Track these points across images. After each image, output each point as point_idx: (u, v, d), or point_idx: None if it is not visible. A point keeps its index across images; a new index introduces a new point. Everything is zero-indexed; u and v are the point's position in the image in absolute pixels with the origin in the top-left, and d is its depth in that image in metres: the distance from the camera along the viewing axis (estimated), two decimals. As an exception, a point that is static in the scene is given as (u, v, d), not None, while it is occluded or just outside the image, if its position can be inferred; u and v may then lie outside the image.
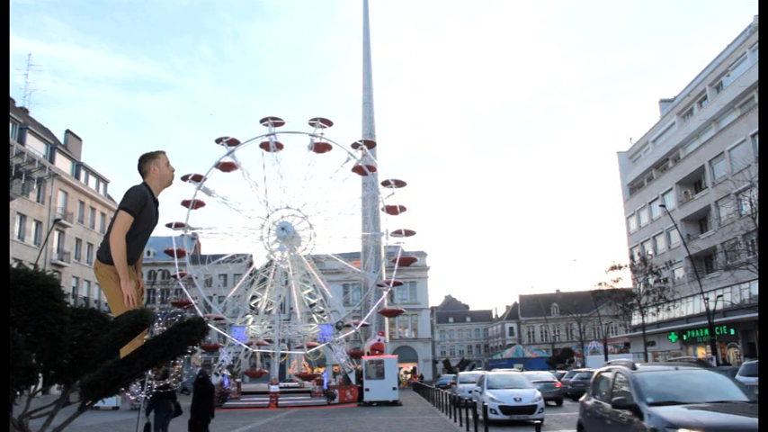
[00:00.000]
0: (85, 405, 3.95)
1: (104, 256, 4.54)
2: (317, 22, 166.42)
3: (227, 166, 38.45)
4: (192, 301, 38.70)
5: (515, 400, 17.80)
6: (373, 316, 40.76)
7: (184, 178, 38.04)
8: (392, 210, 36.76)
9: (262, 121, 38.38)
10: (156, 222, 4.87)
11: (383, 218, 38.77)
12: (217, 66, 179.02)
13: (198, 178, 38.21)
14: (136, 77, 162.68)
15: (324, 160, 38.95)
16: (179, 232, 38.61)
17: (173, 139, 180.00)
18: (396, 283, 38.39)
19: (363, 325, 38.88)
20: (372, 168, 38.49)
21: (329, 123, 38.41)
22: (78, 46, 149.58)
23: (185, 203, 38.25)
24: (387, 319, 56.57)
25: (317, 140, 37.78)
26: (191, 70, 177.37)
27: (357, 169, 38.34)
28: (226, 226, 39.66)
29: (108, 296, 4.56)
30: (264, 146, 38.36)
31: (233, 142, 38.37)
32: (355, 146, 38.77)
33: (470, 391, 25.48)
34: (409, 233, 37.11)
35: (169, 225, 38.00)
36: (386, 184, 37.20)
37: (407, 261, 39.84)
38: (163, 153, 4.93)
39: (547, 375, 30.37)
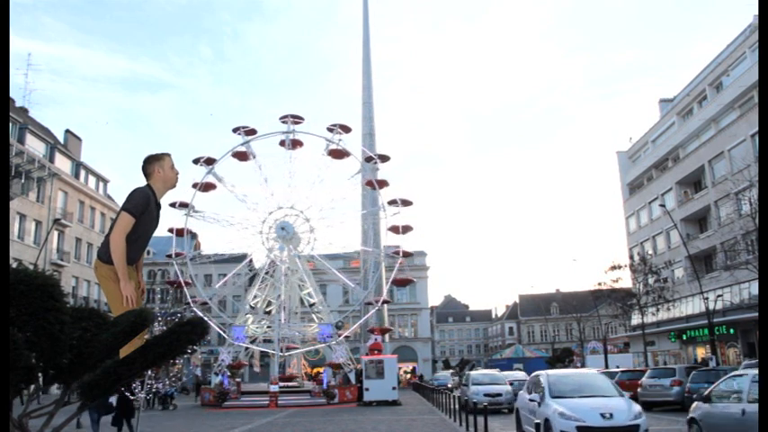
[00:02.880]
0: (85, 405, 3.95)
1: (105, 256, 4.57)
2: (316, 22, 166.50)
3: (241, 155, 38.49)
4: (182, 281, 38.23)
5: (604, 417, 11.18)
6: (370, 320, 40.83)
7: (196, 161, 38.12)
8: (395, 229, 36.84)
9: (281, 118, 38.23)
10: (157, 226, 4.90)
11: (383, 229, 38.77)
12: (216, 66, 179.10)
13: (210, 162, 38.22)
14: (135, 77, 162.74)
15: (326, 163, 38.62)
16: (182, 212, 38.59)
17: (172, 138, 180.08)
18: (384, 301, 38.47)
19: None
20: (383, 184, 38.14)
21: (347, 130, 38.49)
22: (77, 45, 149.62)
23: (194, 185, 38.27)
24: (386, 318, 56.65)
25: (333, 147, 37.75)
26: (190, 70, 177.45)
27: (368, 183, 38.21)
28: (228, 215, 39.67)
29: (108, 296, 4.58)
30: (281, 142, 38.47)
31: (250, 132, 38.40)
32: (369, 159, 38.57)
33: (485, 394, 23.14)
34: (407, 254, 37.21)
35: (173, 205, 38.05)
36: (393, 203, 37.02)
37: (404, 282, 40.43)
38: (168, 155, 4.95)
39: (521, 375, 33.30)
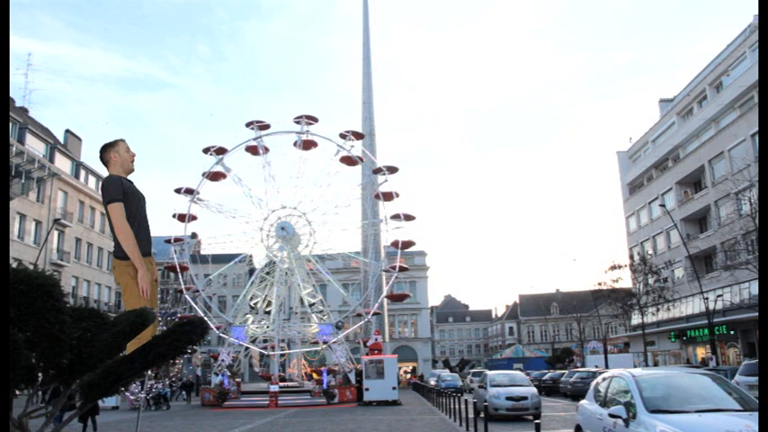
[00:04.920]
0: (84, 405, 3.95)
1: (120, 252, 4.70)
2: (314, 19, 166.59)
3: (252, 149, 38.51)
4: (177, 264, 37.96)
5: None
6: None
7: (206, 150, 38.14)
8: (395, 244, 36.99)
9: (296, 118, 38.14)
10: (144, 200, 5.02)
11: (384, 239, 38.82)
12: (214, 64, 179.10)
13: (221, 151, 38.25)
14: (133, 76, 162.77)
15: (334, 168, 38.60)
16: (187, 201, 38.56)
17: (171, 137, 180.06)
18: (374, 313, 38.65)
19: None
20: (389, 196, 37.76)
21: (360, 137, 38.67)
22: (74, 44, 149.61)
23: (204, 174, 38.30)
24: (386, 318, 56.80)
25: (344, 154, 37.81)
26: (188, 69, 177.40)
27: (376, 196, 38.15)
28: (232, 208, 39.69)
29: (123, 292, 4.73)
30: (294, 143, 38.57)
31: (264, 127, 38.39)
32: (377, 171, 38.57)
33: (507, 397, 19.63)
34: (403, 269, 37.36)
35: (178, 190, 37.95)
36: (396, 217, 37.08)
37: (398, 297, 41.61)
38: (122, 140, 5.11)
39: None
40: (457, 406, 18.38)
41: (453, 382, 41.34)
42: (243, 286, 42.48)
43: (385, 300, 41.67)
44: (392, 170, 38.09)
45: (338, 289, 40.51)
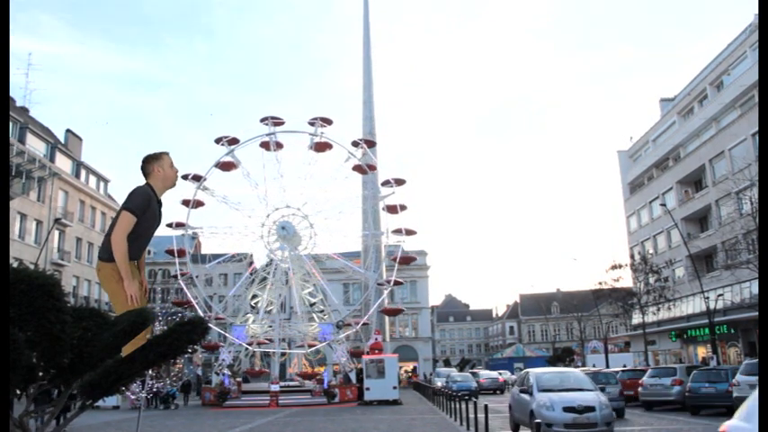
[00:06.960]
0: (85, 404, 3.95)
1: (106, 255, 4.56)
2: (314, 19, 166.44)
3: (265, 145, 38.60)
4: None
5: None
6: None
7: (218, 140, 38.21)
8: (394, 260, 37.18)
9: (310, 120, 38.05)
10: (159, 223, 4.89)
11: (383, 218, 39.03)
12: (213, 63, 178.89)
13: (233, 142, 38.28)
14: (133, 75, 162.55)
15: (331, 163, 38.76)
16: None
17: (170, 136, 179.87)
18: (364, 324, 38.79)
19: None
20: (393, 209, 37.79)
21: (372, 144, 39.24)
22: (74, 43, 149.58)
23: (216, 164, 38.39)
24: (386, 318, 56.71)
25: (356, 162, 37.94)
26: (187, 68, 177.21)
27: (391, 208, 38.12)
28: (236, 201, 39.73)
29: (111, 296, 4.56)
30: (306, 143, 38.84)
31: (278, 123, 38.58)
32: (385, 183, 38.62)
33: (565, 408, 13.12)
34: (398, 283, 37.86)
35: (185, 176, 37.92)
36: (397, 231, 37.09)
37: (393, 312, 43.04)
38: (166, 154, 4.95)
39: (494, 374, 36.48)
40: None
41: (467, 383, 36.07)
42: (243, 285, 42.51)
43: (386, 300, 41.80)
44: (399, 182, 37.87)
45: (340, 286, 40.70)
